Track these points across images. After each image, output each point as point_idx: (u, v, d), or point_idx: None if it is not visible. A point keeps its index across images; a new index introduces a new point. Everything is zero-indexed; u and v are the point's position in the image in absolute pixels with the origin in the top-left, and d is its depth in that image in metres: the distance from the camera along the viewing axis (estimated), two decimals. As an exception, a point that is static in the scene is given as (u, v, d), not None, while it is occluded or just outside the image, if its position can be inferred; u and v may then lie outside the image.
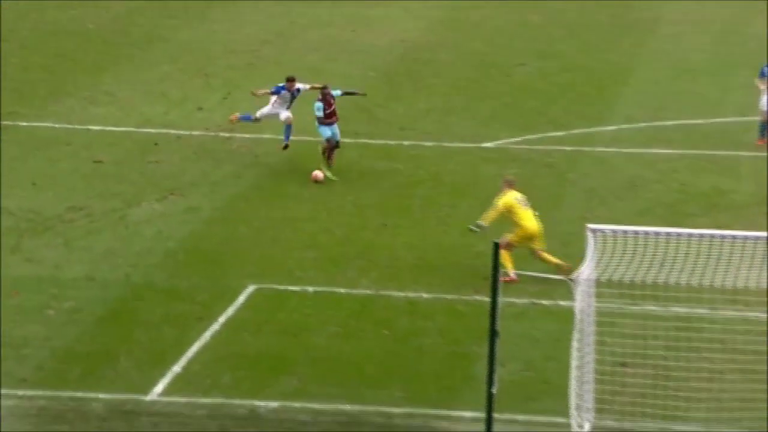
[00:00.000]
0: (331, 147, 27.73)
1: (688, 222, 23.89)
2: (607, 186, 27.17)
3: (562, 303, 19.85)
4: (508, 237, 22.35)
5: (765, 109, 28.89)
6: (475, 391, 18.08)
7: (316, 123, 27.86)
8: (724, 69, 34.83)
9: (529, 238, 22.55)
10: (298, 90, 28.29)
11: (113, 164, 28.84)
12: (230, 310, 21.93)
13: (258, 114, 28.65)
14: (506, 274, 21.81)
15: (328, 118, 27.78)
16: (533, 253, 22.59)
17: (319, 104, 27.76)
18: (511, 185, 22.97)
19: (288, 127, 28.16)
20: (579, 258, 18.39)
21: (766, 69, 29.26)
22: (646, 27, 39.66)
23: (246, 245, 24.64)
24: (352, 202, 26.73)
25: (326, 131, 27.75)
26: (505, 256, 21.79)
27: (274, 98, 28.37)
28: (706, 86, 33.77)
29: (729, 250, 17.97)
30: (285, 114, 28.17)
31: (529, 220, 22.50)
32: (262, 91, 28.54)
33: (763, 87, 29.10)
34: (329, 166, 27.56)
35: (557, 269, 22.20)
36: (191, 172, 28.39)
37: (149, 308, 22.13)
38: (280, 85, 28.39)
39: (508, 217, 22.58)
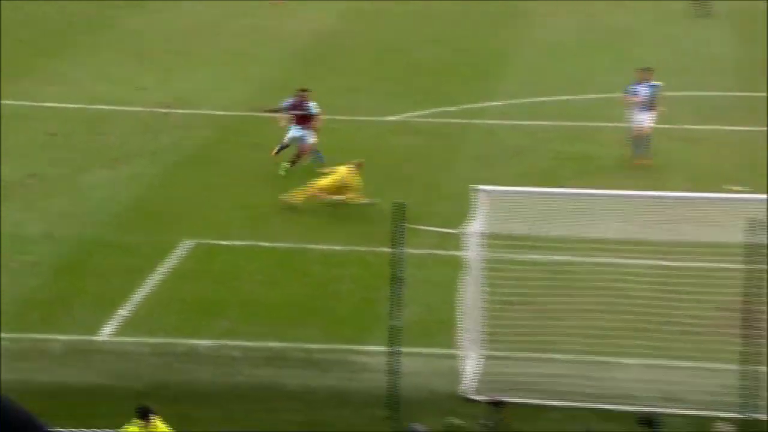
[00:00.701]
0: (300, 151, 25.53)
1: (563, 183, 24.10)
2: (493, 153, 27.30)
3: (455, 253, 19.90)
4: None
5: (636, 125, 25.99)
6: (383, 329, 18.10)
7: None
8: (590, 53, 35.10)
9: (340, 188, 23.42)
10: (308, 106, 25.64)
11: (65, 136, 28.39)
12: (171, 262, 21.74)
13: (287, 140, 25.73)
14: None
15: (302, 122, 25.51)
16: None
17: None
18: (360, 165, 23.57)
19: (316, 153, 25.60)
20: (470, 214, 18.47)
21: (634, 87, 26.53)
22: (525, 16, 39.80)
23: (184, 206, 24.42)
24: (275, 169, 26.56)
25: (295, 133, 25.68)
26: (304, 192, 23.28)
27: (285, 115, 25.70)
28: (575, 67, 33.99)
29: (597, 206, 18.16)
30: (311, 140, 25.60)
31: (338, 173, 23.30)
32: (279, 115, 25.71)
33: (634, 102, 26.44)
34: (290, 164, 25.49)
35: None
36: (134, 143, 28.03)
37: (100, 261, 21.87)
38: (290, 100, 25.81)
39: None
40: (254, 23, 38.80)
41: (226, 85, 32.35)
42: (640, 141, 26.12)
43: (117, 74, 33.36)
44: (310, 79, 32.78)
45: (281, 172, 25.57)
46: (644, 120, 25.85)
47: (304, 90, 26.23)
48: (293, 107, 25.91)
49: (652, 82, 25.98)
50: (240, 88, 32.14)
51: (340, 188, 23.72)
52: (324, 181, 23.85)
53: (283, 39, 36.46)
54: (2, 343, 18.64)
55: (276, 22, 37.70)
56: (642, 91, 25.90)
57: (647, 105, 25.84)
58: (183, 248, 22.26)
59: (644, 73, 25.82)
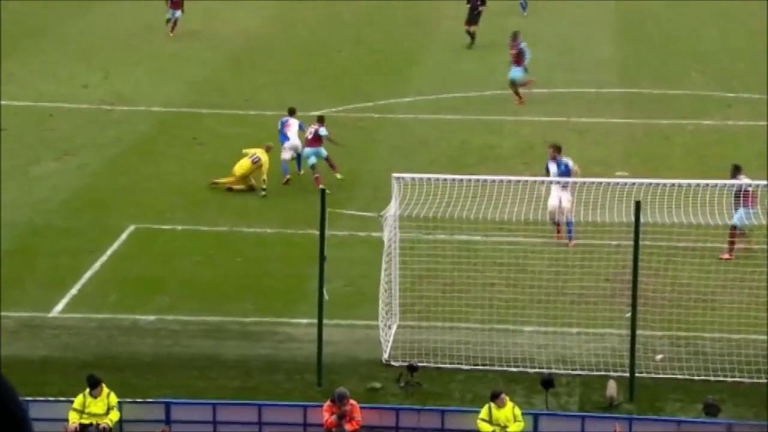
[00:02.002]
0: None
1: (468, 170, 24.26)
2: (406, 144, 27.33)
3: (374, 234, 19.92)
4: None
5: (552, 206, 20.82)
6: (310, 303, 18.10)
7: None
8: (488, 52, 35.27)
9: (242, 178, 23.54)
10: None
11: (15, 131, 27.80)
12: (115, 245, 21.47)
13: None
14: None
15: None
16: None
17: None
18: (269, 149, 23.82)
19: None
20: (386, 199, 18.49)
21: (308, 127, 24.38)
22: (431, 20, 39.86)
23: (127, 194, 24.10)
24: (210, 160, 26.33)
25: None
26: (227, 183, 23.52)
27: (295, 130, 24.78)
28: (476, 66, 34.13)
29: (498, 190, 18.29)
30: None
31: (240, 168, 23.57)
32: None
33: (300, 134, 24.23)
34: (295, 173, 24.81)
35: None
36: (80, 137, 27.56)
37: (49, 244, 21.51)
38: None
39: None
40: (188, 27, 38.33)
41: (163, 84, 31.95)
42: (562, 219, 20.99)
43: (63, 73, 32.75)
44: (239, 78, 32.58)
45: (339, 176, 24.22)
46: (564, 199, 20.65)
47: (321, 118, 25.20)
48: (315, 135, 24.52)
49: (563, 159, 21.56)
50: (175, 86, 31.75)
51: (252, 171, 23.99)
52: (240, 170, 24.04)
53: (214, 40, 36.09)
54: (-40, 321, 18.28)
55: (207, 26, 37.30)
56: (553, 168, 21.42)
57: (564, 185, 20.64)
58: (126, 232, 21.98)
59: (554, 151, 21.48)
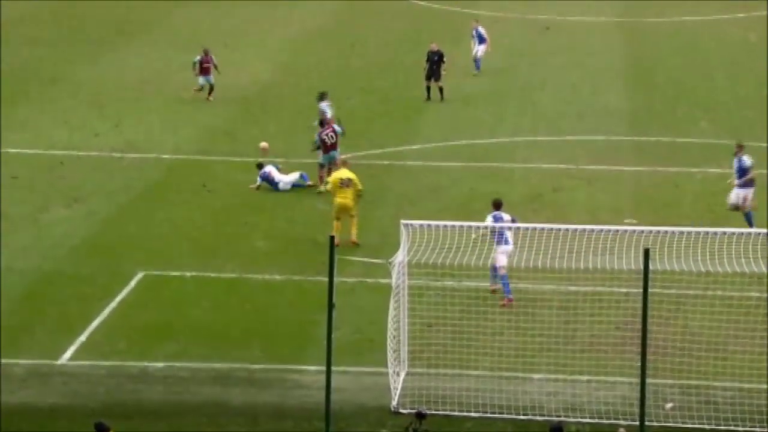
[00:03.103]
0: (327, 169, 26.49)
1: (476, 217, 24.28)
2: (415, 190, 27.43)
3: (382, 281, 19.96)
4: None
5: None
6: (318, 350, 18.09)
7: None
8: (497, 100, 35.47)
9: (343, 211, 23.27)
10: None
11: (26, 179, 28.02)
12: (124, 292, 21.54)
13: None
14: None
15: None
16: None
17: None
18: (345, 163, 23.87)
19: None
20: (395, 245, 18.55)
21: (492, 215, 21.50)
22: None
23: (136, 240, 24.22)
24: (219, 205, 26.48)
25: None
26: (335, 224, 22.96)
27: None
28: (484, 114, 34.31)
29: (507, 237, 18.31)
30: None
31: (343, 198, 23.16)
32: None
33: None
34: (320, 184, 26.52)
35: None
36: (90, 184, 27.75)
37: (59, 291, 21.60)
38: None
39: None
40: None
41: (173, 131, 32.20)
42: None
43: (74, 122, 33.03)
44: (249, 125, 32.82)
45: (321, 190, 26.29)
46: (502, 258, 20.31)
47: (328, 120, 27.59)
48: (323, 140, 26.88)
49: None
50: (186, 134, 32.01)
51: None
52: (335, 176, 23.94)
53: (225, 88, 36.35)
54: (-31, 367, 18.31)
55: (217, 75, 37.61)
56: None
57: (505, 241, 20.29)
58: (135, 279, 22.06)
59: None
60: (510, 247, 20.50)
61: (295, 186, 27.35)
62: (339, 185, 23.59)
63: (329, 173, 25.96)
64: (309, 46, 42.99)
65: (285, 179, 27.32)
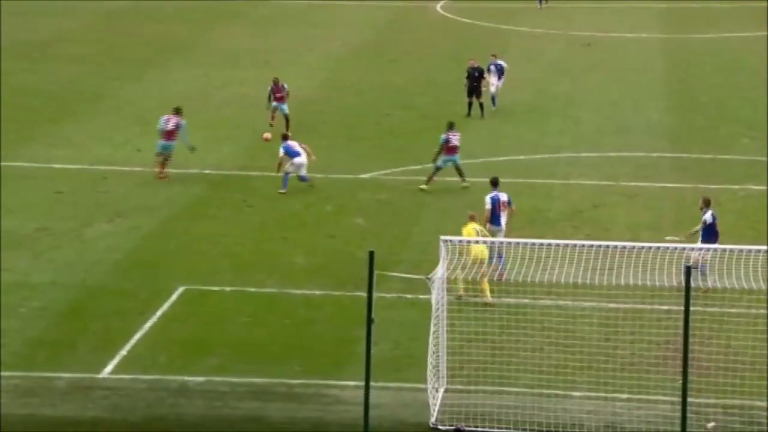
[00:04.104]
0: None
1: (515, 233, 24.20)
2: (455, 206, 27.37)
3: (421, 296, 19.93)
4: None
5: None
6: (357, 365, 18.09)
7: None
8: (537, 118, 35.38)
9: (479, 262, 19.91)
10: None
11: (71, 194, 28.32)
12: (165, 306, 21.67)
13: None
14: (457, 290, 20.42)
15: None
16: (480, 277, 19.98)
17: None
18: (472, 218, 21.57)
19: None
20: (435, 261, 18.52)
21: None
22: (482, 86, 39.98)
23: (177, 255, 24.37)
24: (259, 221, 26.61)
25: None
26: (461, 282, 20.15)
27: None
28: (526, 130, 34.25)
29: (545, 253, 18.25)
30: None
31: (479, 248, 20.16)
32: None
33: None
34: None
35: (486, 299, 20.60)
36: (133, 199, 27.98)
37: (101, 305, 21.76)
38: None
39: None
40: (240, 91, 38.97)
41: (216, 147, 32.41)
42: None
43: (117, 138, 33.35)
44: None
45: (423, 187, 27.76)
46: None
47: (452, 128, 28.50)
48: (448, 141, 28.20)
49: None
50: (228, 150, 32.21)
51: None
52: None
53: (266, 106, 36.56)
54: (13, 381, 18.49)
55: (257, 92, 37.85)
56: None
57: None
58: (176, 293, 22.18)
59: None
60: (502, 229, 22.77)
61: (302, 180, 28.03)
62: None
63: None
64: (349, 63, 43.16)
65: (302, 160, 27.94)
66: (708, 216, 22.62)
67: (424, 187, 27.89)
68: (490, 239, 21.13)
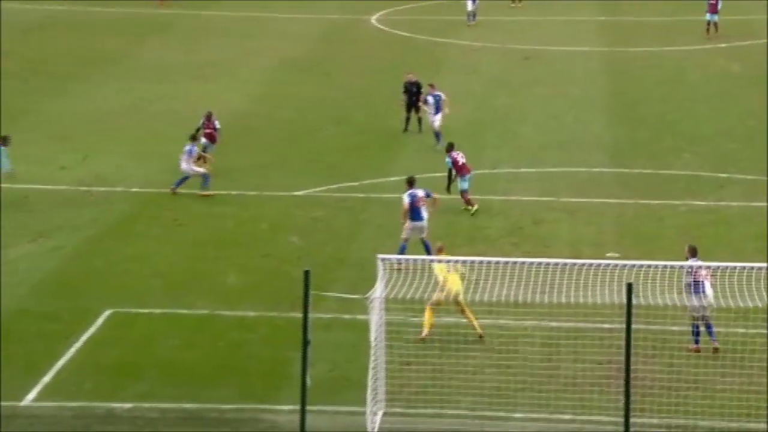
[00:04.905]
0: None
1: (455, 251, 24.30)
2: (392, 224, 27.40)
3: (359, 317, 19.92)
4: (434, 296, 19.71)
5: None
6: (293, 388, 18.01)
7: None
8: (476, 132, 35.61)
9: (454, 298, 20.03)
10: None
11: (-9, 213, 27.87)
12: (91, 330, 21.40)
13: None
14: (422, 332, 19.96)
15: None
16: (460, 311, 20.23)
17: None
18: (440, 250, 21.16)
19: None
20: (372, 280, 18.53)
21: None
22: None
23: (103, 276, 24.09)
24: (191, 240, 26.42)
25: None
26: (428, 316, 19.89)
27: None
28: (464, 145, 34.34)
29: (485, 272, 18.35)
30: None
31: (453, 283, 19.95)
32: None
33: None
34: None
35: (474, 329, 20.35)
36: (56, 219, 27.64)
37: (23, 329, 21.42)
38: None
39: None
40: (168, 107, 38.71)
41: (142, 164, 32.15)
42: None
43: (40, 155, 32.91)
44: (221, 157, 32.76)
45: (472, 209, 27.92)
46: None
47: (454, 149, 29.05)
48: (455, 163, 28.50)
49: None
50: (155, 166, 31.95)
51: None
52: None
53: (195, 121, 36.33)
54: (-72, 409, 18.09)
55: (189, 106, 37.65)
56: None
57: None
58: (102, 317, 21.92)
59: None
60: (424, 224, 24.39)
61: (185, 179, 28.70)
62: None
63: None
64: (283, 77, 43.12)
65: (193, 167, 28.83)
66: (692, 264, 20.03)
67: (474, 209, 27.70)
68: (423, 257, 21.14)
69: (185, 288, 23.42)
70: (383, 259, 18.27)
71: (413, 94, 35.18)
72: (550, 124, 36.61)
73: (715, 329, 19.87)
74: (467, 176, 28.35)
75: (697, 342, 19.81)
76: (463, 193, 28.12)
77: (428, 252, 24.06)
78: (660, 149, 33.93)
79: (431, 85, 34.70)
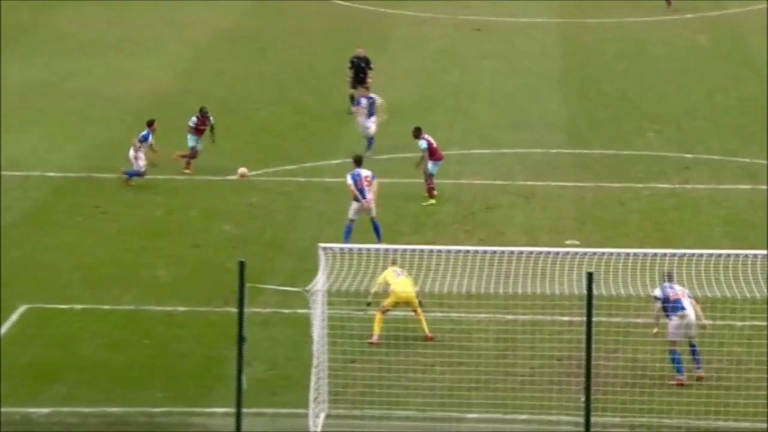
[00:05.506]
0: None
1: (403, 239, 24.39)
2: (335, 210, 27.45)
3: (299, 311, 19.92)
4: (385, 302, 20.18)
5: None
6: (228, 389, 18.00)
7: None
8: (424, 110, 35.69)
9: (404, 302, 20.37)
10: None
11: None
12: (4, 328, 21.23)
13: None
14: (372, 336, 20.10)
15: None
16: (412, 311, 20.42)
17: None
18: (394, 262, 20.61)
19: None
20: (313, 272, 18.54)
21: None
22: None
23: (18, 269, 23.86)
24: (116, 229, 26.25)
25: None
26: (378, 320, 20.13)
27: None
28: (412, 125, 34.45)
29: (435, 261, 18.44)
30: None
31: (402, 286, 20.20)
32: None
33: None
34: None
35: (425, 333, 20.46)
36: (-35, 206, 27.31)
37: (-71, 328, 21.16)
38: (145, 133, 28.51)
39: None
40: (87, 84, 38.29)
41: (60, 147, 31.84)
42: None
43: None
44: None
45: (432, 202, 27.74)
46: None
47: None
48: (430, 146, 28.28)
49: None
50: (74, 149, 31.67)
51: None
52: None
53: (117, 99, 36.08)
54: None
55: (110, 83, 37.30)
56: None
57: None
58: (17, 313, 21.74)
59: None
60: (370, 204, 24.92)
61: (132, 175, 28.51)
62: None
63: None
64: (214, 51, 42.86)
65: (140, 156, 28.57)
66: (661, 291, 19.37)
67: (432, 202, 27.64)
68: (368, 246, 21.20)
69: (109, 282, 23.29)
70: (325, 249, 18.28)
71: (361, 70, 35.04)
72: (503, 102, 36.80)
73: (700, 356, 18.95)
74: (440, 162, 28.21)
75: (680, 371, 18.88)
76: (429, 177, 27.99)
77: (377, 233, 24.61)
78: (621, 128, 34.27)
79: (366, 88, 33.42)
